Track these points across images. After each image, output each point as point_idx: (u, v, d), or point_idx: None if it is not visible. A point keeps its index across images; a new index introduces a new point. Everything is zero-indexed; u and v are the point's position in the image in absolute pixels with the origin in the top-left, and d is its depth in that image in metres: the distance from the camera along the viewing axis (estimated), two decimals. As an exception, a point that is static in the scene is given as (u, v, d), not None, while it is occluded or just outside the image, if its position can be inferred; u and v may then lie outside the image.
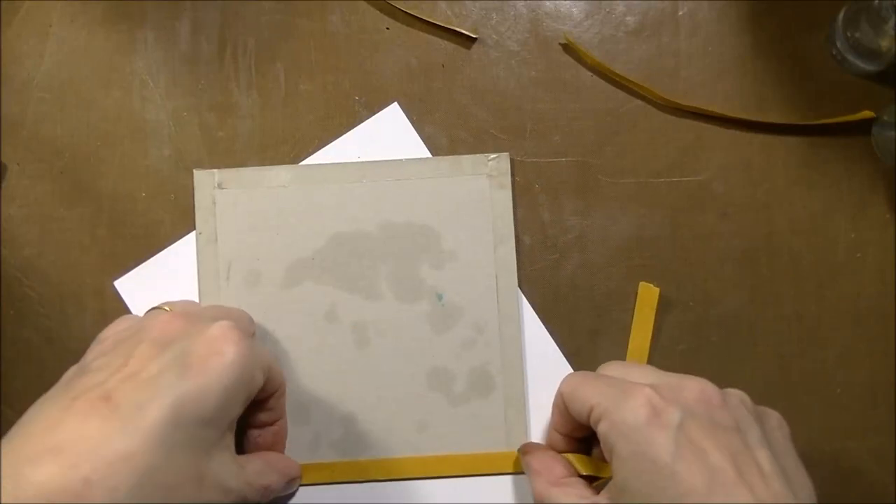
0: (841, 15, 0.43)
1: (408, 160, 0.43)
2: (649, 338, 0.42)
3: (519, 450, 0.40)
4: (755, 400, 0.35)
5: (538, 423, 0.41)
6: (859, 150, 0.43)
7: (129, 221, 0.43)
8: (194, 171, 0.43)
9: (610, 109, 0.44)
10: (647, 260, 0.43)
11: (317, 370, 0.41)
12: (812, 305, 0.42)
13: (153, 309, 0.37)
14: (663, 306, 0.42)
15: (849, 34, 0.42)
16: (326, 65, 0.44)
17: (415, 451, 0.41)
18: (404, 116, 0.44)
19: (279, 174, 0.43)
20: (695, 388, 0.34)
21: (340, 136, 0.43)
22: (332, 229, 0.42)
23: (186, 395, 0.31)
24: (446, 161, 0.43)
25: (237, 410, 0.34)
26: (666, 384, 0.34)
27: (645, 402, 0.33)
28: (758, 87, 0.44)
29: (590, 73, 0.44)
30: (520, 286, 0.42)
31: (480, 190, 0.43)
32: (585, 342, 0.42)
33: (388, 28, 0.44)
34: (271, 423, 0.39)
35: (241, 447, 0.38)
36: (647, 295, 0.42)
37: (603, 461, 0.37)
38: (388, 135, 0.43)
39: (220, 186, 0.43)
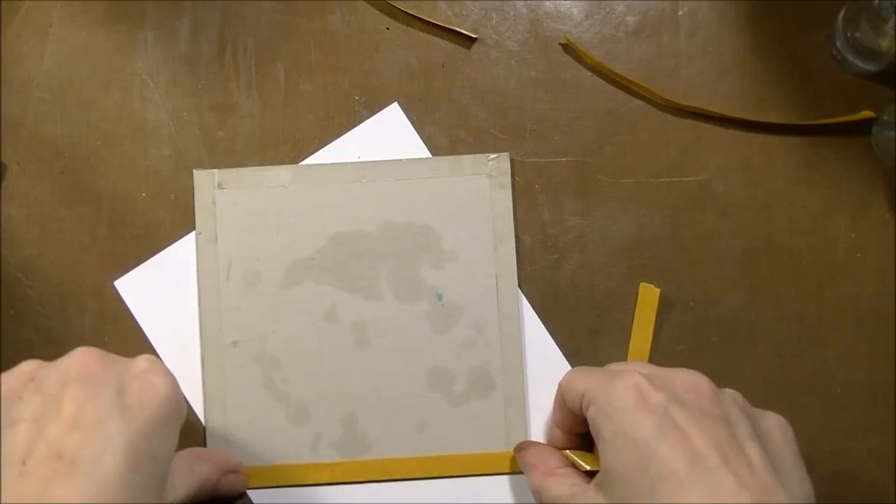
0: (841, 15, 0.43)
1: (408, 160, 0.43)
2: (650, 339, 0.42)
3: (515, 448, 0.40)
4: (755, 400, 0.35)
5: (538, 423, 0.41)
6: (859, 150, 0.43)
7: (129, 221, 0.43)
8: (194, 171, 0.43)
9: (610, 109, 0.44)
10: (647, 260, 0.43)
11: (317, 370, 0.41)
12: (812, 305, 0.42)
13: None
14: (663, 306, 0.42)
15: (849, 34, 0.42)
16: (326, 65, 0.44)
17: (415, 451, 0.41)
18: (404, 116, 0.44)
19: (279, 174, 0.43)
20: (686, 378, 0.34)
21: (340, 136, 0.43)
22: (332, 229, 0.42)
23: (136, 436, 0.31)
24: (446, 161, 0.43)
25: (176, 438, 0.34)
26: (658, 374, 0.34)
27: (632, 386, 0.33)
28: (758, 87, 0.44)
29: (590, 73, 0.44)
30: (520, 286, 0.42)
31: (480, 190, 0.43)
32: (585, 342, 0.42)
33: (388, 28, 0.44)
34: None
35: None
36: (648, 296, 0.42)
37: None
38: (388, 135, 0.43)
39: (220, 186, 0.43)
